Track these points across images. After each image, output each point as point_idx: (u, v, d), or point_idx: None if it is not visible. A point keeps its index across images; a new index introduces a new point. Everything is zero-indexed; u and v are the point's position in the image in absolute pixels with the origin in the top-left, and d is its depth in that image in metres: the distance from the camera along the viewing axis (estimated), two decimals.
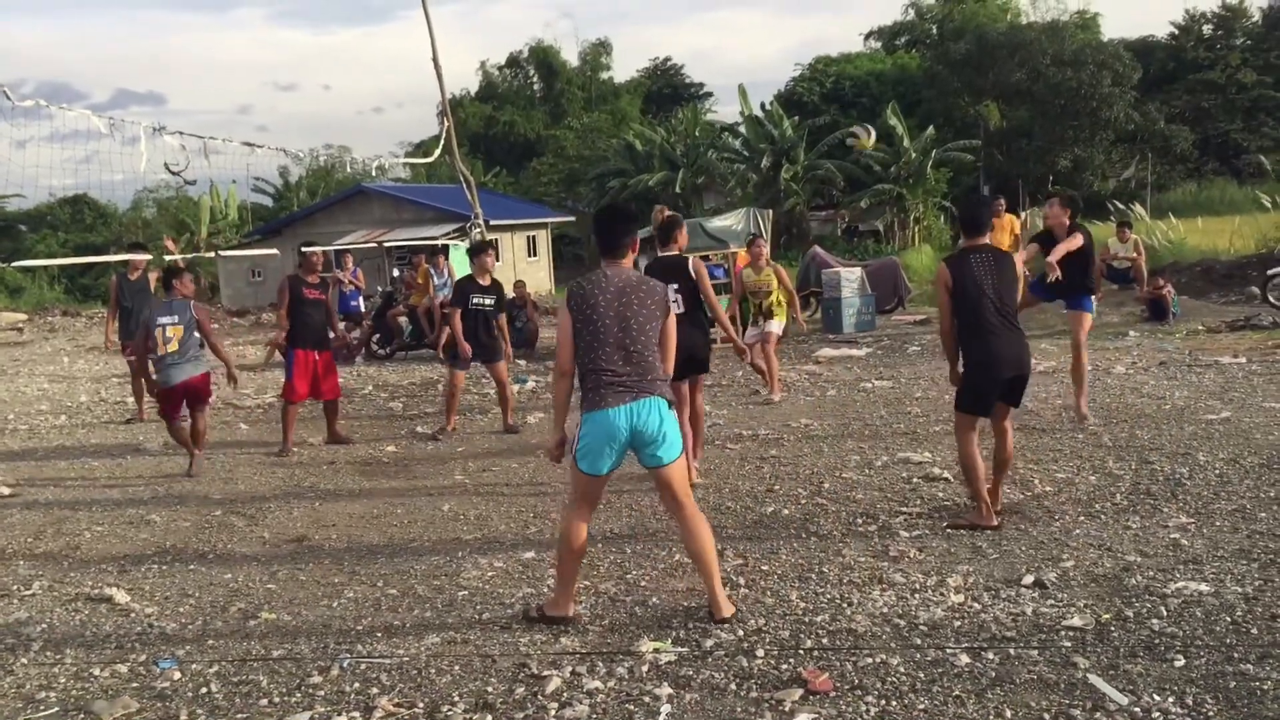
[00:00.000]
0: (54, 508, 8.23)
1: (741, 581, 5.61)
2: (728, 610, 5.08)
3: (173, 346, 8.90)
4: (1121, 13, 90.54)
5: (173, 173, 9.63)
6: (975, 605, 5.06)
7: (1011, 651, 4.50)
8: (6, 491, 8.91)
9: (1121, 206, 29.41)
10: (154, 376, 9.14)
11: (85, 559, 6.81)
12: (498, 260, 15.52)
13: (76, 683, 4.79)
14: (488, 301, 10.41)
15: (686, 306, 7.66)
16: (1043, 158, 45.39)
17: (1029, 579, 5.34)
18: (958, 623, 4.86)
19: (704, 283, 7.81)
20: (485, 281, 10.45)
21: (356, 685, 4.57)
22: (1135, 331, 14.80)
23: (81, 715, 4.43)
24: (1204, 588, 5.10)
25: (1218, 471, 7.26)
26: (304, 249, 10.56)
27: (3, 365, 19.64)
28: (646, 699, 4.26)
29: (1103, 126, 44.94)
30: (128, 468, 9.75)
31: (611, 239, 5.32)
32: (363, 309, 19.35)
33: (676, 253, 8.02)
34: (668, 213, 9.21)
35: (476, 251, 10.70)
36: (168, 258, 11.59)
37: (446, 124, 13.86)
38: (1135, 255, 17.27)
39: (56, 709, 4.52)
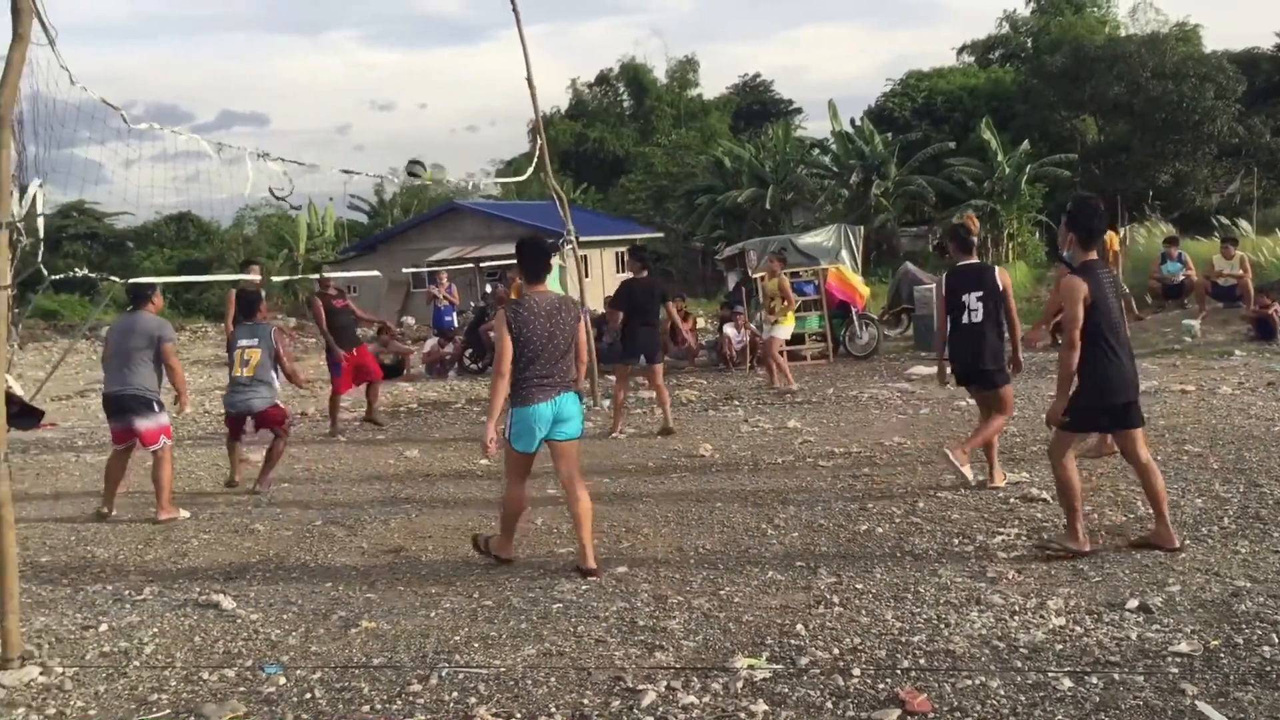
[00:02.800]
0: (162, 515, 8.48)
1: (835, 600, 5.57)
2: (593, 564, 6.24)
3: (249, 371, 9.18)
4: (1224, 25, 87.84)
5: (277, 198, 9.92)
6: (1077, 629, 4.97)
7: (1116, 676, 4.40)
8: (123, 490, 9.27)
9: (1226, 222, 28.64)
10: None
11: (193, 566, 7.02)
12: (587, 276, 15.50)
13: (186, 686, 4.94)
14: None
15: (987, 315, 7.73)
16: (1143, 173, 44.25)
17: (1133, 603, 5.22)
18: (1059, 646, 4.77)
19: (1009, 295, 7.88)
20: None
21: (455, 694, 4.64)
22: (1241, 351, 14.36)
23: (191, 718, 4.56)
24: None
25: None
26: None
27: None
28: (742, 715, 4.26)
29: (1205, 140, 43.71)
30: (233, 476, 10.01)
31: (536, 267, 6.39)
32: (456, 324, 19.66)
33: (976, 261, 8.12)
34: (976, 221, 9.53)
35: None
36: (247, 277, 12.20)
37: (540, 141, 14.01)
38: (1241, 273, 16.75)
39: (168, 711, 4.66)
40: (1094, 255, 6.09)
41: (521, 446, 6.28)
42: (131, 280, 9.38)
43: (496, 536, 6.61)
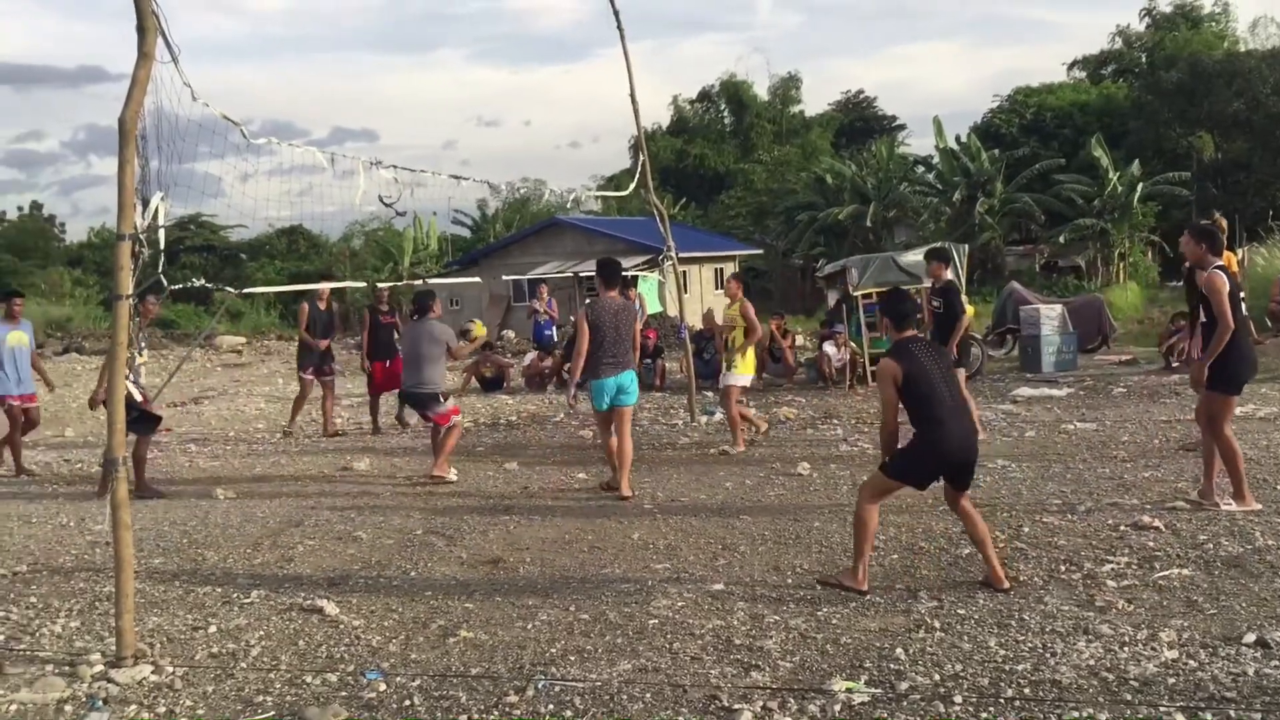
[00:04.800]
0: (270, 521, 8.71)
1: (936, 624, 5.47)
2: (628, 491, 9.08)
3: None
4: None
5: (386, 204, 10.18)
6: (1191, 662, 4.79)
7: (1232, 714, 4.24)
8: (233, 495, 9.55)
9: None
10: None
11: (298, 571, 7.17)
12: (686, 292, 15.34)
13: (290, 689, 5.04)
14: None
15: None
16: (1263, 191, 42.83)
17: (1250, 637, 5.03)
18: (1172, 680, 4.61)
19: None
20: None
21: (551, 707, 4.66)
22: None
23: None
24: None
25: None
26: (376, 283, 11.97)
27: (225, 385, 20.94)
28: None
29: None
30: (337, 485, 10.24)
31: (613, 278, 9.27)
32: (555, 338, 19.83)
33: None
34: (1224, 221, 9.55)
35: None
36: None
37: (642, 157, 14.08)
38: None
39: (272, 713, 4.76)
40: (909, 333, 6.12)
41: (598, 406, 9.18)
42: (417, 291, 11.13)
43: (615, 477, 9.27)
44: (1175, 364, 16.15)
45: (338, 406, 14.62)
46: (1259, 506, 7.43)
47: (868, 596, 5.93)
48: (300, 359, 13.98)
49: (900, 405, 5.98)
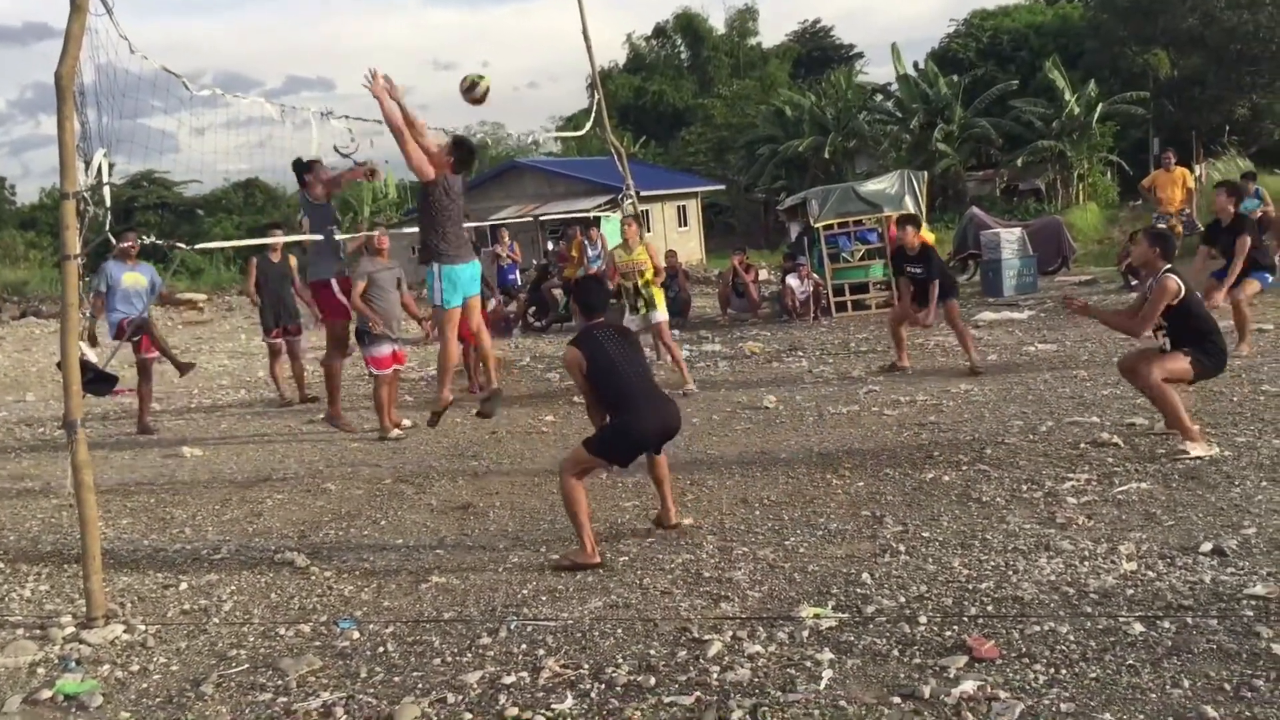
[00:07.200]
0: (237, 477, 8.69)
1: (902, 548, 5.55)
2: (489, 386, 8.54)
3: None
4: None
5: (342, 155, 9.97)
6: (1149, 573, 4.89)
7: (1189, 620, 4.34)
8: (200, 453, 9.50)
9: None
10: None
11: (268, 525, 7.18)
12: (649, 230, 15.29)
13: (264, 641, 5.06)
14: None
15: None
16: (1217, 107, 42.88)
17: (1207, 546, 5.13)
18: (1131, 591, 4.70)
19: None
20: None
21: (524, 646, 4.70)
22: None
23: (270, 671, 4.68)
24: None
25: None
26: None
27: (186, 343, 20.73)
28: (808, 664, 4.27)
29: None
30: (303, 438, 10.21)
31: (468, 160, 8.32)
32: (519, 282, 19.75)
33: None
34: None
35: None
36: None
37: (597, 96, 13.93)
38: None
39: (246, 665, 4.79)
40: (597, 320, 6.18)
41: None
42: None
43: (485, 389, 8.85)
44: (1134, 283, 16.30)
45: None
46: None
47: (602, 568, 5.64)
48: (262, 321, 12.75)
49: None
